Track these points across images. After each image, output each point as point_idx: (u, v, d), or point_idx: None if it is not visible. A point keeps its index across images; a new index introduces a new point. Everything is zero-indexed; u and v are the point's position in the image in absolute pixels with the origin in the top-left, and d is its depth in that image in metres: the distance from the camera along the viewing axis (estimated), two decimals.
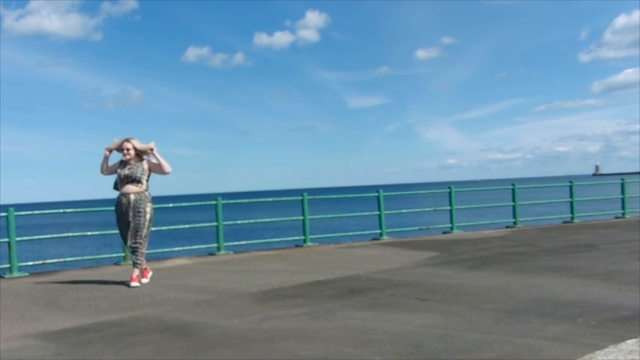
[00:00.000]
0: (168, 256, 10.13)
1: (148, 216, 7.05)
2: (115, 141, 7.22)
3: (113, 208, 7.29)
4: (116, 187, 7.22)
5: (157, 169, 7.18)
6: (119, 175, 7.11)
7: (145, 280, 7.20)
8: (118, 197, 7.13)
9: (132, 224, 6.99)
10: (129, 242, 7.05)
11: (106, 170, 7.28)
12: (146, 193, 7.13)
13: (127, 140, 7.17)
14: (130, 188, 7.02)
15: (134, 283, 6.99)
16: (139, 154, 7.19)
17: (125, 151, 7.14)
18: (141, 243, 7.04)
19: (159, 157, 7.12)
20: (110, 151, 7.23)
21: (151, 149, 7.11)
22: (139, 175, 7.08)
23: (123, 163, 7.17)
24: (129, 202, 7.00)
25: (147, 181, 7.19)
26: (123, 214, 7.07)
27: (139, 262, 7.09)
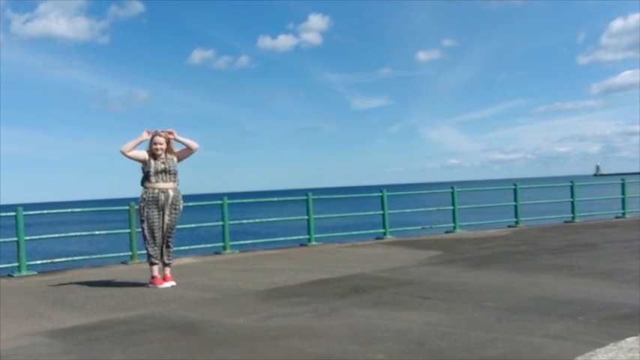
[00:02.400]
0: (174, 255, 10.15)
1: (180, 213, 6.94)
2: (145, 135, 6.85)
3: (141, 203, 6.75)
4: (143, 180, 6.80)
5: (185, 153, 6.94)
6: (153, 169, 6.70)
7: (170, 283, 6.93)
8: (154, 192, 6.71)
9: (167, 221, 6.78)
10: (161, 240, 6.80)
11: (131, 150, 6.76)
12: (179, 188, 6.93)
13: (158, 134, 6.81)
14: (169, 184, 6.76)
15: (170, 283, 6.85)
16: (169, 149, 6.90)
17: (157, 146, 6.76)
18: (172, 241, 6.95)
19: (182, 139, 6.91)
20: (148, 134, 6.83)
21: (171, 133, 6.85)
22: (175, 169, 6.82)
23: (154, 156, 6.78)
24: (167, 198, 6.73)
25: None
26: (159, 211, 6.73)
27: (171, 260, 6.99)
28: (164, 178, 6.74)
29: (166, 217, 6.78)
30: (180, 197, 6.90)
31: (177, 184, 6.90)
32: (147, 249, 6.81)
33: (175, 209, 6.85)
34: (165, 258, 6.90)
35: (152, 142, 6.81)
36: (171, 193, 6.77)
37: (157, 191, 6.69)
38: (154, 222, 6.73)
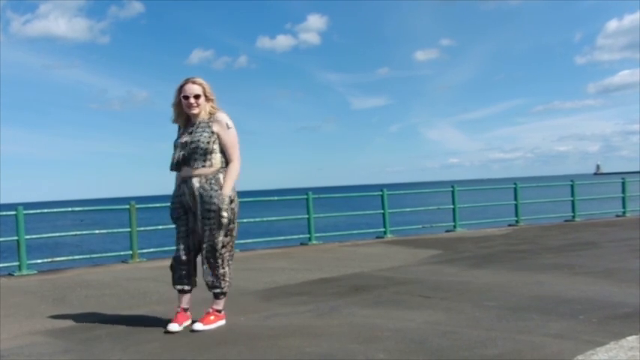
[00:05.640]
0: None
1: (225, 214, 4.30)
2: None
3: (169, 204, 4.56)
4: (175, 167, 4.45)
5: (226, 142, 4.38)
6: (175, 146, 4.40)
7: (203, 326, 4.42)
8: (177, 183, 4.48)
9: (200, 228, 4.40)
10: (194, 253, 4.51)
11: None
12: (219, 175, 4.36)
13: (192, 81, 4.37)
14: (193, 170, 4.32)
15: (200, 325, 4.42)
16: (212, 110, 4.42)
17: (190, 100, 4.32)
18: (219, 263, 4.41)
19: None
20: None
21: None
22: (204, 142, 4.28)
23: (185, 121, 4.45)
24: (192, 192, 4.35)
25: (220, 153, 4.37)
26: (184, 213, 4.46)
27: (216, 283, 4.45)
28: (188, 159, 4.33)
29: (197, 224, 4.42)
30: (213, 192, 4.30)
31: (218, 167, 4.37)
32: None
33: (207, 211, 4.33)
34: (206, 278, 4.49)
35: (182, 96, 4.36)
36: (195, 183, 4.34)
37: (179, 183, 4.45)
38: (179, 227, 4.51)
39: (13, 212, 8.69)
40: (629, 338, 3.79)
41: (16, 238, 8.70)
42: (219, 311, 4.55)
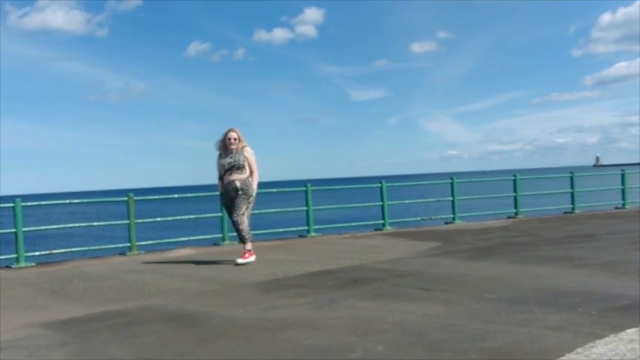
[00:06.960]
0: (173, 247, 10.19)
1: (250, 198, 7.73)
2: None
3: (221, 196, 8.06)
4: (223, 175, 7.79)
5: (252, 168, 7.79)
6: (222, 166, 7.73)
7: (242, 260, 7.66)
8: (222, 186, 7.82)
9: (236, 205, 7.69)
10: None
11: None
12: (249, 179, 7.74)
13: (232, 130, 7.77)
14: (232, 176, 7.65)
15: (240, 260, 7.66)
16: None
17: (231, 141, 7.68)
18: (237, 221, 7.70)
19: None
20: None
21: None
22: (241, 162, 7.69)
23: (224, 154, 7.78)
24: (234, 187, 7.65)
25: (248, 168, 7.74)
26: (229, 200, 7.77)
27: (242, 236, 7.72)
28: (230, 170, 7.70)
29: (236, 202, 7.73)
30: (245, 187, 7.72)
31: (247, 175, 7.76)
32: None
33: (243, 194, 7.72)
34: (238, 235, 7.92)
35: (227, 138, 7.73)
36: (237, 183, 7.69)
37: (225, 182, 7.76)
38: (228, 208, 7.93)
39: (11, 204, 8.66)
40: (629, 331, 3.79)
41: (14, 230, 8.68)
42: (249, 250, 7.81)
